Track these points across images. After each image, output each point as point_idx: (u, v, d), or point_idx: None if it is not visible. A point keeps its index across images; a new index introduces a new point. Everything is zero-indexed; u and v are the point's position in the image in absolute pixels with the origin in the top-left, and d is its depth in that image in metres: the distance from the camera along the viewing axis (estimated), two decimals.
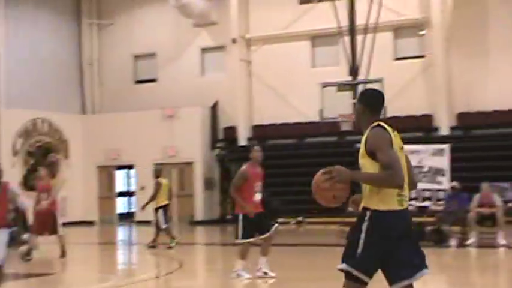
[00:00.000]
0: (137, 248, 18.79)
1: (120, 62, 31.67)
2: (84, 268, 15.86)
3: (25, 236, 16.16)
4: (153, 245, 17.80)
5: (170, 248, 17.39)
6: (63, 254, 15.76)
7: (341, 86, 22.94)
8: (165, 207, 18.02)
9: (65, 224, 28.38)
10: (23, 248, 15.22)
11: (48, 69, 30.19)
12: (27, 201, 10.92)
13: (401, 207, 5.51)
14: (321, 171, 5.58)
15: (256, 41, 29.23)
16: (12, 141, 28.65)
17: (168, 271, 14.10)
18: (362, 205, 5.56)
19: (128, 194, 32.60)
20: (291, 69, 28.30)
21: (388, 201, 5.46)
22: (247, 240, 11.63)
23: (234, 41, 28.97)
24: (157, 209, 17.94)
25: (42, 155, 29.74)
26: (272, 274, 11.77)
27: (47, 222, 15.63)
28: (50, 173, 16.14)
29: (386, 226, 5.44)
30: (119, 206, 31.56)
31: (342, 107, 22.21)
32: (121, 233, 27.36)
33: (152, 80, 31.29)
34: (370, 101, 5.74)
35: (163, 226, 17.87)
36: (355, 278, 5.48)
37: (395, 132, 5.63)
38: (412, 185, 5.75)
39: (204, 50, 30.45)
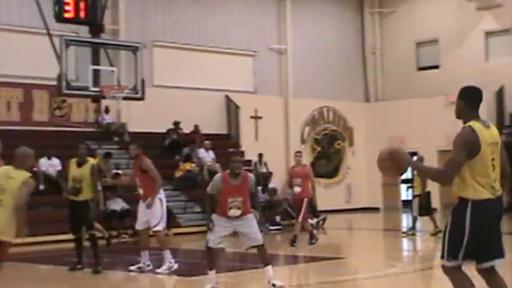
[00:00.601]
0: (421, 235, 18.93)
1: (402, 49, 31.81)
2: (371, 254, 16.34)
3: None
4: (435, 233, 17.88)
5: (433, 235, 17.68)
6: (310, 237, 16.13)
7: None
8: (425, 196, 18.24)
9: (350, 210, 29.54)
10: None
11: (332, 59, 31.16)
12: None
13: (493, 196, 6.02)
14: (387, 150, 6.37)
15: None
16: (301, 129, 30.08)
17: None
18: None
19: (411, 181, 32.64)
20: None
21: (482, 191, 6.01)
22: None
23: None
24: (416, 197, 18.47)
25: (328, 143, 30.90)
26: None
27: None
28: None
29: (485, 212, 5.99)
30: (403, 192, 31.78)
31: None
32: (405, 219, 27.60)
33: (435, 67, 31.07)
34: (471, 98, 6.15)
35: (415, 215, 18.46)
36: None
37: (490, 129, 6.09)
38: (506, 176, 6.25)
39: (488, 33, 29.66)
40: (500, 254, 6.15)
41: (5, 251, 8.15)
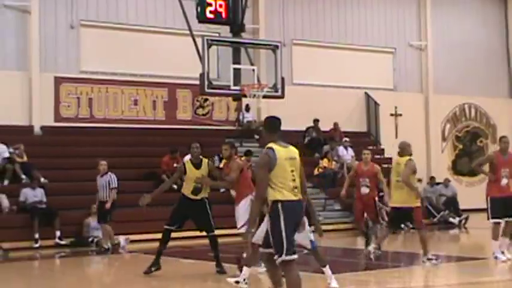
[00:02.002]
0: None
1: None
2: None
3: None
4: None
5: None
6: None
7: None
8: None
9: None
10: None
11: (474, 54, 30.33)
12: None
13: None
14: None
15: None
16: (441, 126, 29.50)
17: None
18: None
19: None
20: None
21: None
22: None
23: None
24: None
25: (470, 140, 30.13)
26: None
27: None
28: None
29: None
30: None
31: None
32: None
33: None
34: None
35: None
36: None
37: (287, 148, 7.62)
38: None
39: None
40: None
41: None
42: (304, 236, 9.59)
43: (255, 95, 19.99)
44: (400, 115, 28.29)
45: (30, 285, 12.23)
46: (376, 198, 14.56)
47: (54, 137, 21.84)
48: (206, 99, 24.39)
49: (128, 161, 21.13)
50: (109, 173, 16.83)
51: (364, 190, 14.43)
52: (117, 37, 23.42)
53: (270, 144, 7.58)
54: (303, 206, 7.65)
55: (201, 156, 12.31)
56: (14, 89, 21.83)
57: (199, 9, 19.66)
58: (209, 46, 19.21)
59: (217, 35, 21.24)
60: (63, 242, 17.62)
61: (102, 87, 23.35)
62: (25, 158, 19.77)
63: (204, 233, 12.22)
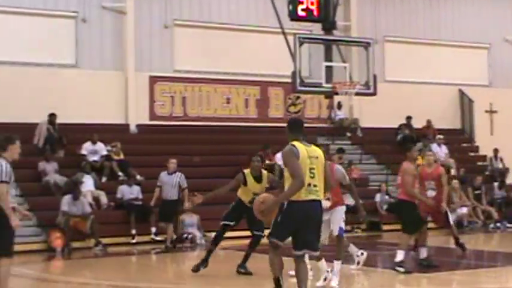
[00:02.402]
0: None
1: None
2: None
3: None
4: None
5: None
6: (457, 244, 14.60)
7: None
8: None
9: None
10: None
11: None
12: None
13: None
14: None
15: None
16: None
17: None
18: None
19: None
20: None
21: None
22: None
23: None
24: None
25: None
26: None
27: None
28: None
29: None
30: None
31: None
32: None
33: None
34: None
35: None
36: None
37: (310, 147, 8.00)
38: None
39: None
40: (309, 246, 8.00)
41: None
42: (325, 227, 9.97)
43: (346, 93, 19.98)
44: (496, 112, 27.67)
45: (129, 279, 12.56)
46: (444, 204, 13.56)
47: (149, 135, 22.31)
48: (298, 97, 24.46)
49: (220, 158, 21.37)
50: (177, 172, 17.08)
51: (431, 193, 13.58)
52: (210, 36, 23.72)
53: (293, 143, 7.98)
54: (316, 205, 7.89)
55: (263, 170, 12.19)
56: (111, 89, 22.41)
57: (291, 7, 19.77)
58: (301, 44, 19.30)
59: (308, 32, 21.27)
60: (158, 238, 17.97)
61: (195, 86, 23.72)
62: (122, 156, 20.29)
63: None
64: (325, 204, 9.72)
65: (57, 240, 16.86)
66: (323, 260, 10.48)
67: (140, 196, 18.82)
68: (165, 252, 16.60)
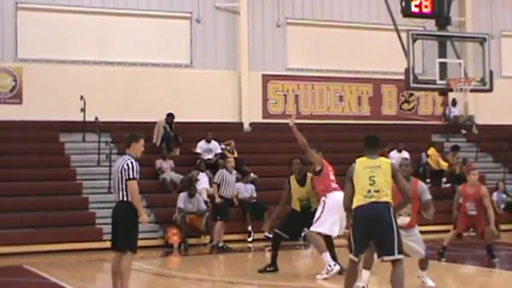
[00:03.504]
0: None
1: None
2: None
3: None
4: None
5: None
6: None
7: None
8: None
9: None
10: None
11: None
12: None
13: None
14: None
15: None
16: None
17: None
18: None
19: None
20: None
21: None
22: None
23: None
24: None
25: None
26: None
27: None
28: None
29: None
30: None
31: None
32: None
33: None
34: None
35: None
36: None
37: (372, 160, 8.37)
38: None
39: None
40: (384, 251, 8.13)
41: None
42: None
43: (461, 89, 19.59)
44: None
45: (245, 276, 12.77)
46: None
47: (263, 133, 22.56)
48: (411, 94, 24.18)
49: (334, 156, 21.21)
50: None
51: (472, 213, 13.20)
52: (322, 34, 23.80)
53: (357, 159, 8.49)
54: (375, 206, 8.07)
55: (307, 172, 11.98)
56: (225, 88, 22.79)
57: (403, 3, 19.57)
58: (414, 40, 19.06)
59: (422, 29, 20.98)
60: (271, 236, 18.09)
61: (308, 84, 23.82)
62: (236, 154, 20.58)
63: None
64: (404, 220, 9.58)
65: (174, 236, 17.29)
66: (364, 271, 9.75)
67: (254, 194, 19.05)
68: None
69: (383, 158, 8.46)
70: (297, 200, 11.92)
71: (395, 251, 8.06)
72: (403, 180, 8.50)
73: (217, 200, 17.20)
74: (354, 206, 8.24)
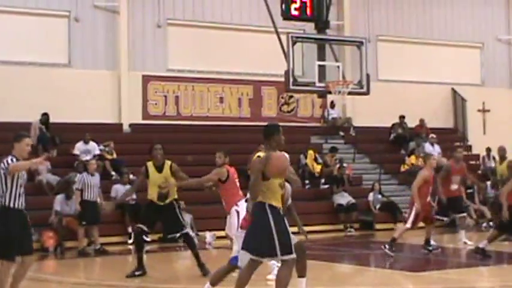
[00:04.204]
0: None
1: None
2: None
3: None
4: None
5: None
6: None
7: None
8: None
9: None
10: None
11: None
12: None
13: None
14: None
15: None
16: None
17: None
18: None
19: None
20: None
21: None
22: None
23: None
24: None
25: None
26: None
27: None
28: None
29: None
30: None
31: None
32: None
33: None
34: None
35: None
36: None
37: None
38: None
39: None
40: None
41: None
42: None
43: (340, 92, 19.95)
44: (488, 111, 27.75)
45: (123, 279, 12.55)
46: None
47: (142, 134, 22.29)
48: (291, 96, 24.49)
49: (213, 158, 21.25)
50: None
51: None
52: (203, 35, 23.75)
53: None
54: None
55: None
56: (104, 88, 22.41)
57: (284, 6, 19.73)
58: (294, 43, 19.26)
59: (302, 31, 21.27)
60: (148, 239, 17.86)
61: (188, 85, 23.73)
62: (115, 155, 20.25)
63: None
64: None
65: (49, 240, 16.84)
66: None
67: (134, 196, 18.78)
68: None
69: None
70: (155, 186, 11.66)
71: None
72: None
73: (77, 207, 16.64)
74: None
